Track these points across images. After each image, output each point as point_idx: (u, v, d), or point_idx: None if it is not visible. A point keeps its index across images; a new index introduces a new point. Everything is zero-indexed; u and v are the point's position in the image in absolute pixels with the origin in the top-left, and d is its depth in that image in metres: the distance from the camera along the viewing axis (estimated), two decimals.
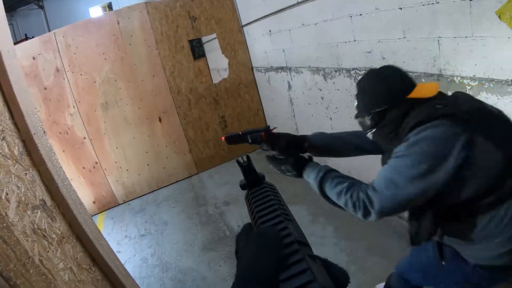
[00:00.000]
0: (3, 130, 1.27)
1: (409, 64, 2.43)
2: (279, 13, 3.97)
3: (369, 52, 2.78)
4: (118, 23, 4.62)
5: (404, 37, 2.40)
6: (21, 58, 4.14)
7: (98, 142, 4.73)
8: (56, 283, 1.15)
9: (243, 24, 5.16)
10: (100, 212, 4.94)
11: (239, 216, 3.89)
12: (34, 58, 4.32)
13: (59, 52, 4.39)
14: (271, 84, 4.88)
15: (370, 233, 3.05)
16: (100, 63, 4.60)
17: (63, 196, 1.47)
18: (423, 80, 2.35)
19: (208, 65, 5.17)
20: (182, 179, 5.31)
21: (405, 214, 2.85)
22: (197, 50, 5.09)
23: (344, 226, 3.24)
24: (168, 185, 5.25)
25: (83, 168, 4.71)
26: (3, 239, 0.88)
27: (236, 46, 5.24)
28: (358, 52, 2.92)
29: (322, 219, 3.43)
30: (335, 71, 3.30)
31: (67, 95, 4.50)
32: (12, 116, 1.39)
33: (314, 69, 3.65)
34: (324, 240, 3.13)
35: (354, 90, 3.03)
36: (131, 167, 4.98)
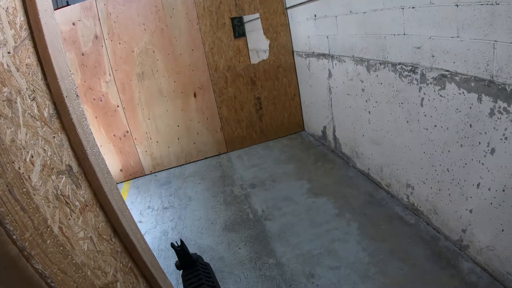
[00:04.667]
0: (34, 91, 1.23)
1: (460, 65, 2.27)
2: None
3: (419, 48, 2.61)
4: None
5: (458, 36, 2.22)
6: (61, 22, 4.19)
7: (131, 111, 4.76)
8: (74, 253, 1.11)
9: (287, 6, 4.99)
10: (126, 181, 5.00)
11: (263, 200, 3.83)
12: (73, 24, 4.33)
13: (99, 19, 4.39)
14: (311, 70, 4.73)
15: (395, 235, 2.96)
16: (140, 34, 4.57)
17: (90, 163, 1.43)
18: (472, 84, 2.18)
19: (247, 45, 5.06)
20: (211, 156, 5.30)
21: (433, 219, 2.74)
22: (238, 29, 4.97)
23: (369, 225, 3.15)
24: (196, 161, 5.25)
25: (114, 135, 4.76)
26: (21, 206, 0.83)
27: (278, 28, 5.10)
28: (407, 47, 2.76)
29: (348, 215, 3.33)
30: (380, 63, 3.14)
31: (104, 63, 4.51)
32: (45, 77, 1.34)
33: (358, 59, 3.49)
34: (347, 237, 3.04)
35: (398, 86, 2.93)
36: (161, 139, 4.99)
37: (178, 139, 5.06)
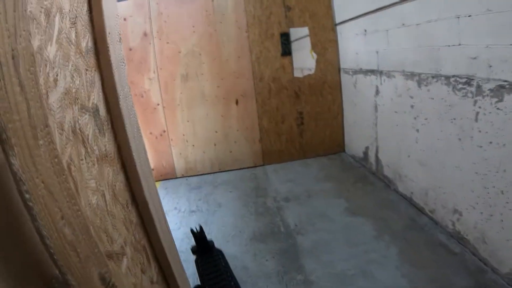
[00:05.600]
0: (76, 17, 1.11)
1: None
2: (378, 12, 3.67)
3: (474, 58, 2.38)
4: (212, 0, 4.60)
5: None
6: None
7: (171, 111, 4.72)
8: (78, 199, 0.94)
9: (337, 22, 4.89)
10: (156, 181, 4.90)
11: (297, 214, 3.58)
12: (124, 19, 4.44)
13: (150, 18, 4.48)
14: (357, 88, 4.53)
15: (438, 264, 2.62)
16: (188, 35, 4.59)
17: (121, 111, 1.28)
18: None
19: (292, 64, 4.94)
20: (246, 168, 5.12)
21: (480, 249, 2.40)
22: (284, 47, 4.90)
23: (410, 250, 2.82)
24: (230, 170, 5.08)
25: (150, 133, 4.73)
26: (20, 82, 0.66)
27: (326, 44, 4.97)
28: (462, 58, 2.52)
29: (387, 238, 3.02)
30: (432, 77, 2.91)
31: (150, 60, 4.54)
32: (90, 10, 1.23)
33: (409, 74, 3.27)
34: (385, 260, 2.72)
35: (451, 101, 2.69)
36: (197, 143, 4.89)
37: (215, 145, 4.93)
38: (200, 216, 3.79)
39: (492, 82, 2.24)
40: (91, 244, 0.88)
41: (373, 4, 3.70)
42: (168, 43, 4.53)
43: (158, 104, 4.64)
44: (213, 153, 4.97)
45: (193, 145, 4.87)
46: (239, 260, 2.96)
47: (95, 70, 1.22)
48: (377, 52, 3.86)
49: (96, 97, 1.19)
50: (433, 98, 2.94)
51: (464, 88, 2.53)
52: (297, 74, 5.01)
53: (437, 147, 2.98)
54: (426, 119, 3.09)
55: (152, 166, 4.83)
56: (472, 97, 2.45)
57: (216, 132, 4.89)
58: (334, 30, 4.93)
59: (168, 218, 3.67)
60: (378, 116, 4.04)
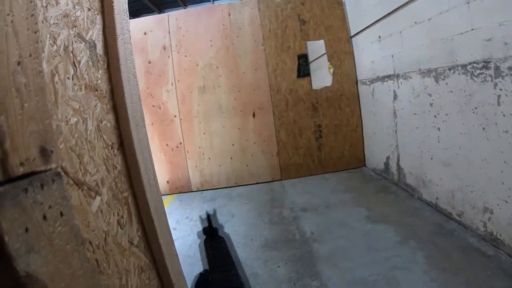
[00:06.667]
0: None
1: None
2: (391, 15, 3.68)
3: (489, 40, 2.31)
4: (229, 15, 4.72)
5: None
6: (134, 31, 4.44)
7: (188, 123, 4.71)
8: (55, 109, 0.87)
9: (352, 34, 4.92)
10: (171, 194, 4.83)
11: (314, 223, 3.41)
12: (145, 34, 4.60)
13: (169, 32, 4.63)
14: (374, 96, 4.45)
15: (471, 267, 2.39)
16: (206, 49, 4.68)
17: (118, 54, 1.24)
18: None
19: (311, 84, 4.93)
20: (263, 182, 4.98)
21: None
22: (303, 68, 4.89)
23: (438, 255, 2.60)
24: (246, 185, 4.96)
25: (167, 145, 4.71)
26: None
27: (342, 56, 4.95)
28: (476, 42, 2.46)
29: (412, 243, 2.80)
30: (449, 69, 2.83)
31: (168, 73, 4.62)
32: None
33: (425, 71, 3.21)
34: (411, 265, 2.51)
35: (470, 89, 2.57)
36: (214, 156, 4.83)
37: (231, 158, 4.86)
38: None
39: (510, 59, 2.15)
40: (43, 111, 0.74)
41: (385, 8, 3.72)
42: (186, 56, 4.61)
43: (175, 116, 4.65)
44: (229, 167, 4.88)
45: (209, 158, 4.81)
46: (248, 266, 2.80)
47: (97, 14, 1.20)
48: (392, 56, 3.83)
49: (95, 36, 1.17)
50: (451, 91, 2.84)
51: (482, 73, 2.44)
52: (315, 86, 4.96)
53: (460, 143, 2.83)
54: (446, 115, 2.97)
55: (167, 178, 4.78)
56: (492, 80, 2.35)
57: (233, 145, 4.83)
58: (349, 42, 4.93)
59: (178, 226, 3.64)
60: (397, 122, 3.92)
